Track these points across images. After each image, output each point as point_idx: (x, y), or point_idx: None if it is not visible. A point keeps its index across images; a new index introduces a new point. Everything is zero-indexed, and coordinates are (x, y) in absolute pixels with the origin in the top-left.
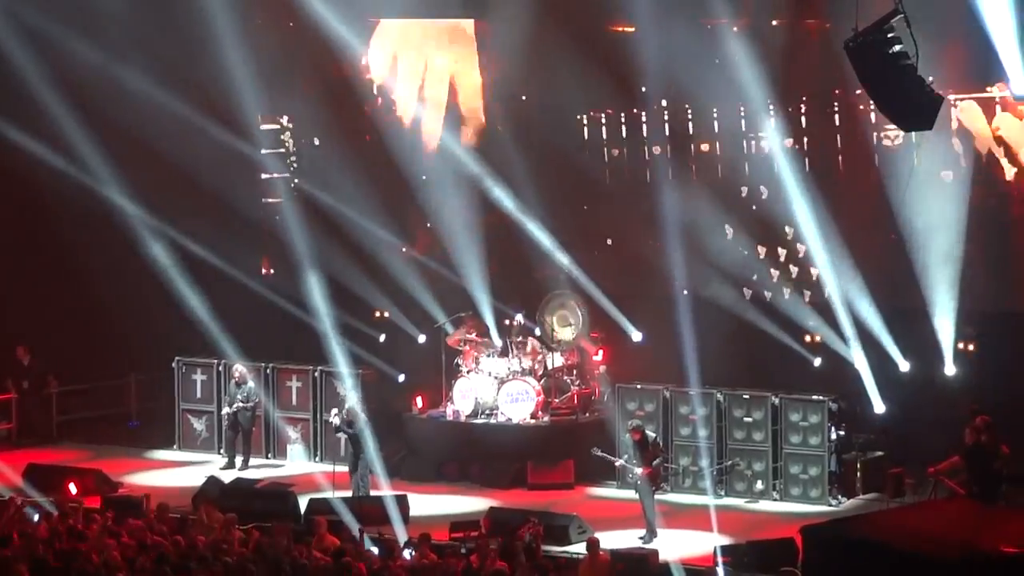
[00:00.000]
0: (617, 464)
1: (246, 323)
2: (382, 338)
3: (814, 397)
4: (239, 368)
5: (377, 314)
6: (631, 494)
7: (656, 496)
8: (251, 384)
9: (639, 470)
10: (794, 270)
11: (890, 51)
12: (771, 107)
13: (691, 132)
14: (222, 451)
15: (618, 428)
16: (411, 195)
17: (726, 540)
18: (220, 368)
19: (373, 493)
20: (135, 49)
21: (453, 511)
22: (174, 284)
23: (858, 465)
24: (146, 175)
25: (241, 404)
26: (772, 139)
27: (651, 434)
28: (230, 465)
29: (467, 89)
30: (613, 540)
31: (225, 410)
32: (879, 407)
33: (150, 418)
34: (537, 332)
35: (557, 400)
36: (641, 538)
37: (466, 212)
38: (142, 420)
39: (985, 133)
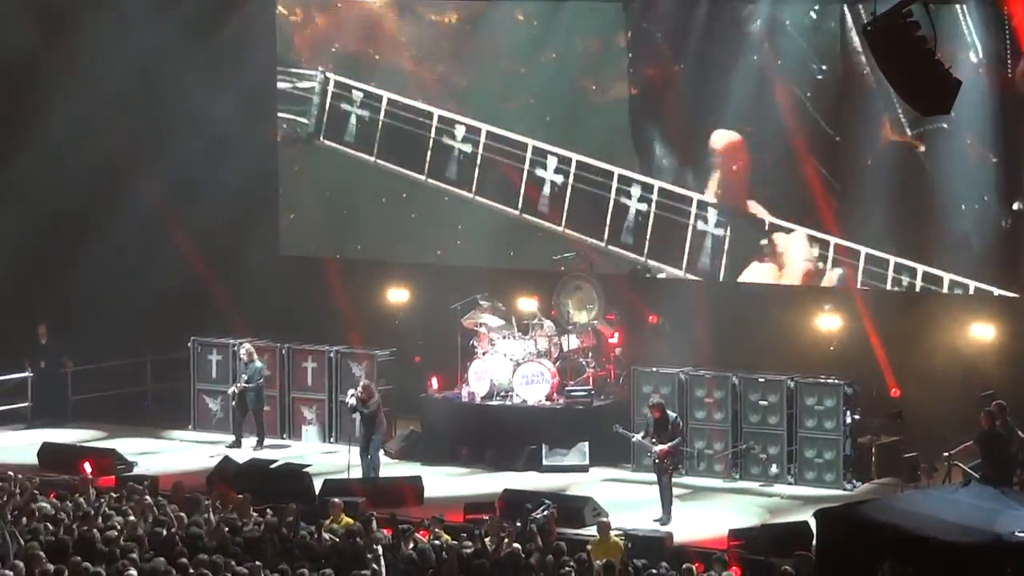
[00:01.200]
0: (633, 440)
1: (263, 302)
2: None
3: (830, 380)
4: (246, 347)
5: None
6: (646, 476)
7: (672, 478)
8: (257, 363)
9: (656, 448)
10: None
11: (909, 35)
12: None
13: None
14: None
15: (634, 411)
16: None
17: (740, 523)
18: (235, 348)
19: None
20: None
21: (467, 493)
22: (190, 263)
23: (873, 449)
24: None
25: (245, 383)
26: None
27: (672, 414)
28: (236, 444)
29: None
30: (628, 522)
31: (231, 389)
32: (894, 391)
33: (165, 398)
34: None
35: (572, 383)
36: (657, 520)
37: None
38: (157, 400)
39: None
